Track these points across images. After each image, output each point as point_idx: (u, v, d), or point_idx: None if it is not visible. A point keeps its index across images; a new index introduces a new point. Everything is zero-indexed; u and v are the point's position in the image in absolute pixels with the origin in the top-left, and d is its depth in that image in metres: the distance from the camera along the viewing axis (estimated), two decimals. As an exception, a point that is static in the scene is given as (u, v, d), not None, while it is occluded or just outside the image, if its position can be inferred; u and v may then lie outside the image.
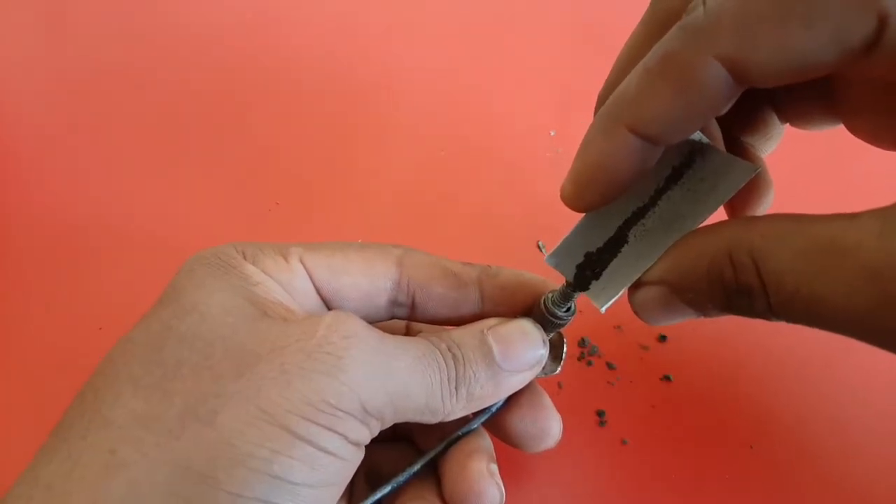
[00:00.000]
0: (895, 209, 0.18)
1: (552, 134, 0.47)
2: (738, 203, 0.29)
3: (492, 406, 0.28)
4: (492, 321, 0.27)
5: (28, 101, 0.51)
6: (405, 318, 0.29)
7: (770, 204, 0.29)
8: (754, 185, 0.29)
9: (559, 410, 0.29)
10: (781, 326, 0.38)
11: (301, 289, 0.26)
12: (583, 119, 0.46)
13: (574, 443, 0.35)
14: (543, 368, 0.28)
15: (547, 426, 0.28)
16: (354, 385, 0.22)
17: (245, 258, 0.26)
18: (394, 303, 0.28)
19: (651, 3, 0.25)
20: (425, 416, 0.25)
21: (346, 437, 0.22)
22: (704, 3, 0.21)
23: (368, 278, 0.27)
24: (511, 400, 0.29)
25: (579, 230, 0.26)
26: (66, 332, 0.40)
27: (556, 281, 0.28)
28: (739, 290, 0.21)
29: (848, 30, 0.18)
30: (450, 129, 0.48)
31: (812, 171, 0.44)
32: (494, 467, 0.27)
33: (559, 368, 0.29)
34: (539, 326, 0.27)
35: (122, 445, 0.20)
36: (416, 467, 0.28)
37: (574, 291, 0.26)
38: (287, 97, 0.50)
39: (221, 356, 0.22)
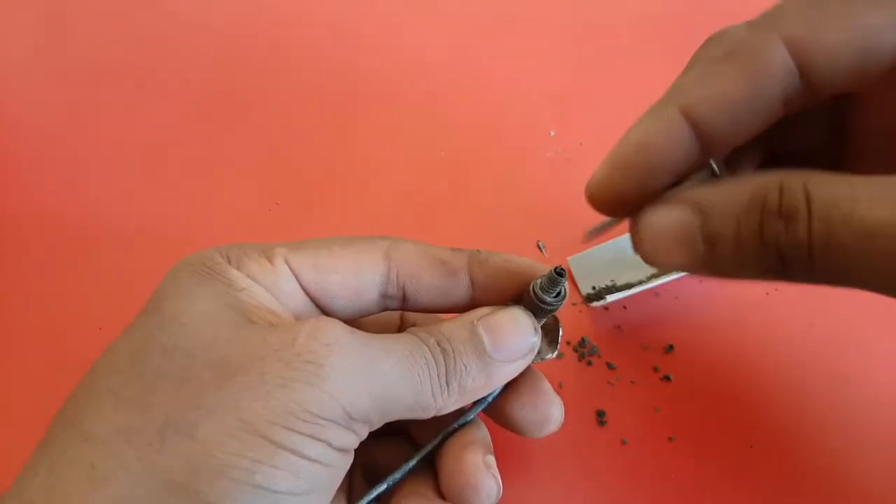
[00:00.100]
0: None
1: (552, 134, 0.47)
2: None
3: (487, 396, 0.28)
4: (482, 311, 0.27)
5: (28, 101, 0.51)
6: (397, 309, 0.29)
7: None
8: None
9: (559, 410, 0.29)
10: (781, 326, 0.38)
11: (287, 290, 0.26)
12: (583, 119, 0.46)
13: (574, 443, 0.35)
14: (540, 354, 0.27)
15: (548, 411, 0.28)
16: (336, 392, 0.22)
17: (230, 262, 0.25)
18: (384, 295, 0.28)
19: (692, 58, 0.24)
20: (416, 413, 0.24)
21: (330, 444, 0.22)
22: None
23: (356, 274, 0.27)
24: (510, 387, 0.28)
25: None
26: (66, 332, 0.40)
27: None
28: (780, 213, 0.20)
29: None
30: (450, 129, 0.48)
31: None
32: (491, 459, 0.27)
33: (555, 353, 0.28)
34: (530, 313, 0.27)
35: (104, 460, 0.20)
36: (412, 463, 0.27)
37: (562, 276, 0.26)
38: (287, 97, 0.50)
39: (202, 367, 0.22)
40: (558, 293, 0.26)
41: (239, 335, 0.23)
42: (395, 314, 0.32)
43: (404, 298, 0.28)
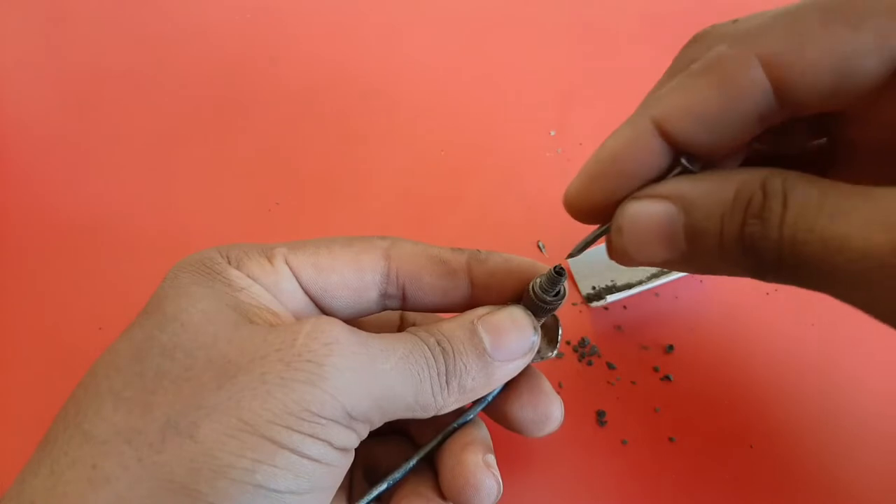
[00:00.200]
0: None
1: (552, 134, 0.47)
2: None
3: (487, 395, 0.28)
4: (482, 310, 0.27)
5: (29, 102, 0.51)
6: (397, 308, 0.29)
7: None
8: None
9: (559, 410, 0.29)
10: (781, 327, 0.38)
11: (287, 290, 0.26)
12: (583, 119, 0.46)
13: (574, 443, 0.35)
14: (539, 353, 0.27)
15: (548, 411, 0.28)
16: (336, 392, 0.22)
17: (230, 262, 0.25)
18: (384, 295, 0.28)
19: (675, 58, 0.25)
20: (417, 412, 0.24)
21: (330, 444, 0.22)
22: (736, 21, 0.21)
23: (356, 274, 0.27)
24: (510, 387, 0.28)
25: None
26: (66, 332, 0.40)
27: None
28: (760, 214, 0.20)
29: (889, 35, 0.19)
30: (450, 129, 0.48)
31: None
32: (491, 458, 0.27)
33: (555, 352, 0.28)
34: (529, 313, 0.27)
35: (104, 460, 0.20)
36: (412, 462, 0.27)
37: (561, 276, 0.26)
38: (287, 98, 0.50)
39: (202, 367, 0.22)
40: (558, 292, 0.26)
41: (239, 335, 0.23)
42: (395, 314, 0.32)
43: (404, 298, 0.28)
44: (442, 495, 0.27)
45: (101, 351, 0.23)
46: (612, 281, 0.39)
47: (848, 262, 0.18)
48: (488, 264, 0.28)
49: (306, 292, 0.27)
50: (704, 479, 0.34)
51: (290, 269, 0.26)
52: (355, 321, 0.29)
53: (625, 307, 0.39)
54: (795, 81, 0.20)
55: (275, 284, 0.26)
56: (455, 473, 0.26)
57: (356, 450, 0.24)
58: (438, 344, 0.25)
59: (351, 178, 0.46)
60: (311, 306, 0.27)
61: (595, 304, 0.38)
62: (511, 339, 0.26)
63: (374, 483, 0.27)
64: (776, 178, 0.20)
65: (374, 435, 0.24)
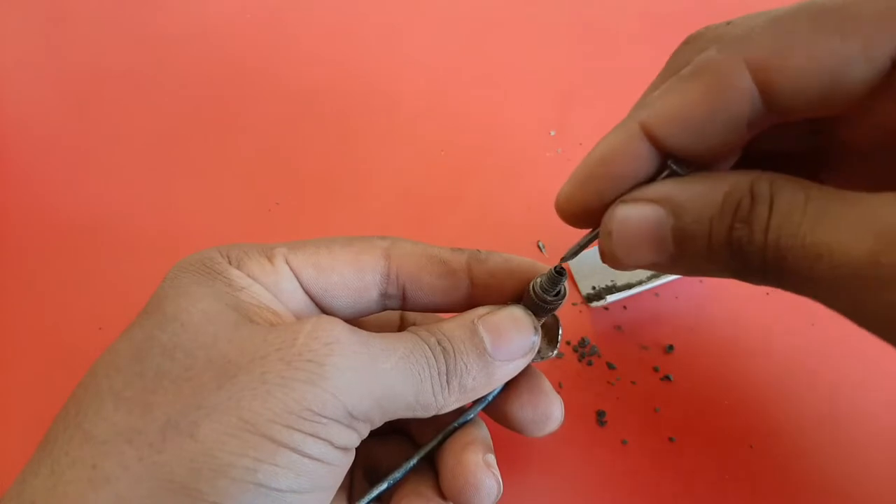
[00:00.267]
0: None
1: (552, 134, 0.47)
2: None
3: (488, 395, 0.28)
4: (482, 310, 0.27)
5: (29, 102, 0.51)
6: (397, 308, 0.29)
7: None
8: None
9: (559, 410, 0.29)
10: (781, 326, 0.38)
11: (288, 290, 0.26)
12: (583, 119, 0.46)
13: (574, 443, 0.35)
14: (539, 353, 0.27)
15: (548, 411, 0.28)
16: (337, 391, 0.22)
17: (230, 262, 0.25)
18: (384, 295, 0.28)
19: (669, 60, 0.25)
20: (417, 412, 0.24)
21: (331, 443, 0.22)
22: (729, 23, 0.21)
23: (357, 274, 0.27)
24: (510, 387, 0.28)
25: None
26: (66, 332, 0.40)
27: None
28: (747, 218, 0.20)
29: (878, 40, 0.19)
30: (450, 129, 0.48)
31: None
32: (492, 458, 0.27)
33: (555, 352, 0.29)
34: (530, 312, 0.27)
35: (105, 460, 0.20)
36: (413, 462, 0.27)
37: (561, 275, 0.26)
38: (287, 98, 0.50)
39: (202, 367, 0.22)
40: (558, 292, 0.26)
41: (239, 335, 0.23)
42: (395, 314, 0.32)
43: (404, 298, 0.28)
44: (442, 495, 0.27)
45: (101, 351, 0.23)
46: (612, 281, 0.39)
47: (827, 269, 0.18)
48: (488, 264, 0.28)
49: (307, 292, 0.27)
50: (704, 479, 0.34)
51: (291, 268, 0.26)
52: (356, 321, 0.29)
53: (625, 307, 0.39)
54: (783, 87, 0.20)
55: (275, 284, 0.26)
56: (455, 473, 0.26)
57: (356, 449, 0.24)
58: (439, 343, 0.25)
59: (351, 178, 0.46)
60: (312, 306, 0.27)
61: (595, 304, 0.38)
62: (511, 338, 0.26)
63: (374, 483, 0.27)
64: (764, 182, 0.20)
65: (374, 434, 0.24)
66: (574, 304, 0.39)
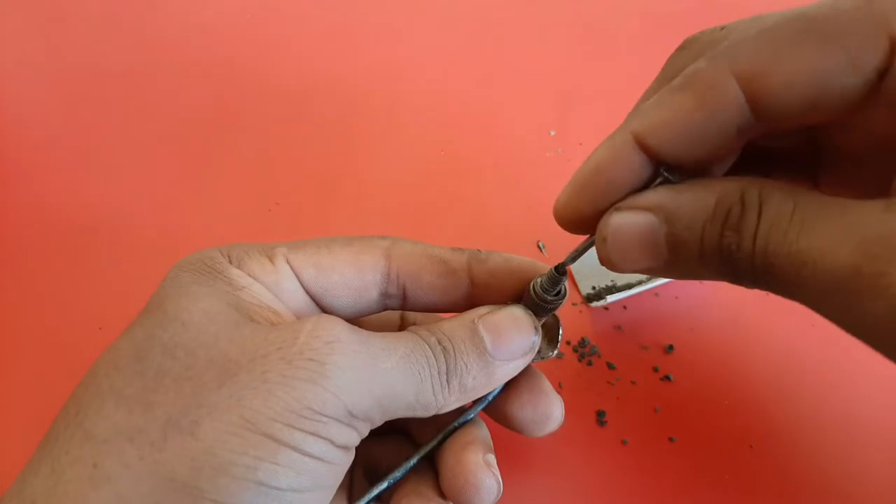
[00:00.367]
0: None
1: (552, 134, 0.47)
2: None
3: (488, 395, 0.28)
4: (482, 310, 0.27)
5: (29, 102, 0.51)
6: (397, 308, 0.29)
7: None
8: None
9: (559, 410, 0.29)
10: (781, 326, 0.38)
11: (288, 289, 0.26)
12: (583, 119, 0.46)
13: (574, 443, 0.35)
14: (540, 353, 0.28)
15: (548, 411, 0.28)
16: (338, 390, 0.22)
17: (230, 262, 0.25)
18: (385, 295, 0.28)
19: (664, 65, 0.25)
20: (417, 411, 0.24)
21: (331, 442, 0.22)
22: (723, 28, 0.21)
23: (357, 273, 0.27)
24: (510, 387, 0.28)
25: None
26: (66, 332, 0.40)
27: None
28: (737, 225, 0.21)
29: (863, 52, 0.19)
30: (450, 129, 0.48)
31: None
32: (492, 458, 0.27)
33: (555, 352, 0.29)
34: (530, 312, 0.27)
35: (105, 459, 0.20)
36: (413, 461, 0.27)
37: (562, 275, 0.26)
38: (287, 97, 0.50)
39: (203, 366, 0.22)
40: (559, 292, 0.27)
41: (240, 334, 0.23)
42: (396, 313, 0.32)
43: (405, 298, 0.28)
44: (442, 494, 0.27)
45: (101, 351, 0.23)
46: (612, 281, 0.39)
47: (812, 277, 0.19)
48: (489, 264, 0.28)
49: (307, 292, 0.27)
50: (704, 479, 0.34)
51: (291, 268, 0.26)
52: (356, 321, 0.29)
53: (625, 307, 0.39)
54: (770, 98, 0.20)
55: (276, 283, 0.26)
56: (455, 472, 0.26)
57: (357, 449, 0.24)
58: (439, 343, 0.25)
59: (351, 178, 0.46)
60: (312, 305, 0.27)
61: (595, 304, 0.38)
62: (512, 338, 0.26)
63: (374, 482, 0.27)
64: (753, 190, 0.20)
65: (374, 434, 0.24)
66: (574, 304, 0.39)
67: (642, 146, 0.22)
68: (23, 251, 0.43)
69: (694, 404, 0.36)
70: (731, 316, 0.38)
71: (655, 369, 0.37)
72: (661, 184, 0.23)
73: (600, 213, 0.24)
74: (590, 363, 0.37)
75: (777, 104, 0.20)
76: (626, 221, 0.23)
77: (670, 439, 0.35)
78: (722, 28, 0.23)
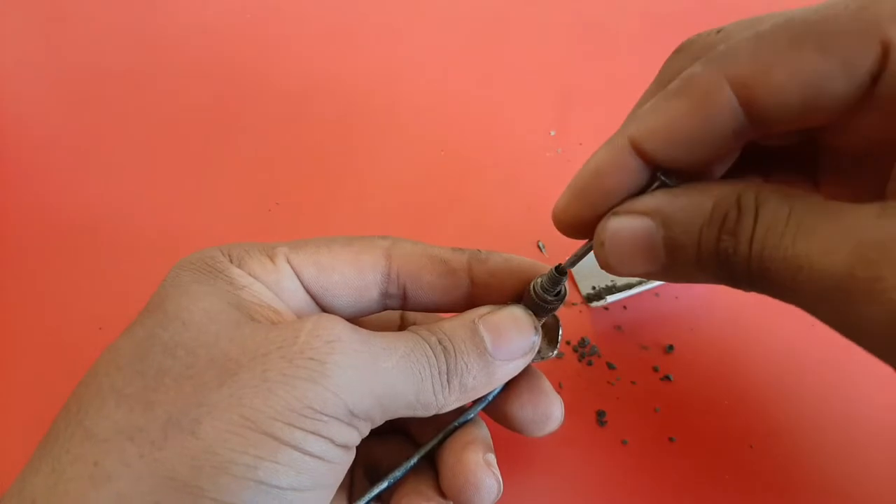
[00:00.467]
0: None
1: (552, 134, 0.47)
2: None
3: (488, 395, 0.28)
4: (483, 310, 0.27)
5: (29, 102, 0.51)
6: (398, 308, 0.29)
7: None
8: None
9: (559, 410, 0.29)
10: (781, 327, 0.38)
11: (289, 289, 0.26)
12: (583, 119, 0.46)
13: (574, 443, 0.35)
14: (540, 353, 0.28)
15: (548, 411, 0.28)
16: (339, 390, 0.22)
17: (231, 261, 0.26)
18: (385, 295, 0.28)
19: (661, 68, 0.25)
20: (418, 410, 0.24)
21: (332, 441, 0.22)
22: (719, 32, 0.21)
23: (357, 273, 0.27)
24: (510, 387, 0.28)
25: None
26: (66, 332, 0.40)
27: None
28: (733, 230, 0.21)
29: (856, 56, 0.19)
30: (450, 129, 0.48)
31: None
32: (492, 457, 0.27)
33: (555, 352, 0.29)
34: (530, 312, 0.27)
35: (106, 458, 0.20)
36: (413, 461, 0.27)
37: (562, 275, 0.26)
38: (287, 97, 0.50)
39: (204, 365, 0.22)
40: (559, 292, 0.27)
41: (241, 333, 0.23)
42: (396, 313, 0.32)
43: (405, 297, 0.28)
44: (442, 494, 0.27)
45: (102, 351, 0.23)
46: (612, 281, 0.39)
47: (807, 281, 0.19)
48: (489, 264, 0.28)
49: (308, 291, 0.27)
50: (704, 479, 0.34)
51: (292, 267, 0.26)
52: (356, 320, 0.29)
53: (625, 307, 0.39)
54: (764, 103, 0.20)
55: (276, 283, 0.26)
56: (455, 472, 0.26)
57: (357, 448, 0.24)
58: (440, 343, 0.25)
59: (351, 178, 0.46)
60: (313, 305, 0.27)
61: (595, 304, 0.38)
62: (512, 338, 0.26)
63: (374, 481, 0.27)
64: (750, 194, 0.21)
65: (374, 433, 0.24)
66: (574, 304, 0.39)
67: (639, 151, 0.22)
68: (23, 251, 0.43)
69: (694, 404, 0.36)
70: (731, 316, 0.38)
71: (655, 369, 0.37)
72: (658, 188, 0.23)
73: (598, 218, 0.24)
74: (590, 363, 0.37)
75: (771, 109, 0.20)
76: (623, 226, 0.23)
77: (670, 439, 0.35)
78: (718, 31, 0.23)
